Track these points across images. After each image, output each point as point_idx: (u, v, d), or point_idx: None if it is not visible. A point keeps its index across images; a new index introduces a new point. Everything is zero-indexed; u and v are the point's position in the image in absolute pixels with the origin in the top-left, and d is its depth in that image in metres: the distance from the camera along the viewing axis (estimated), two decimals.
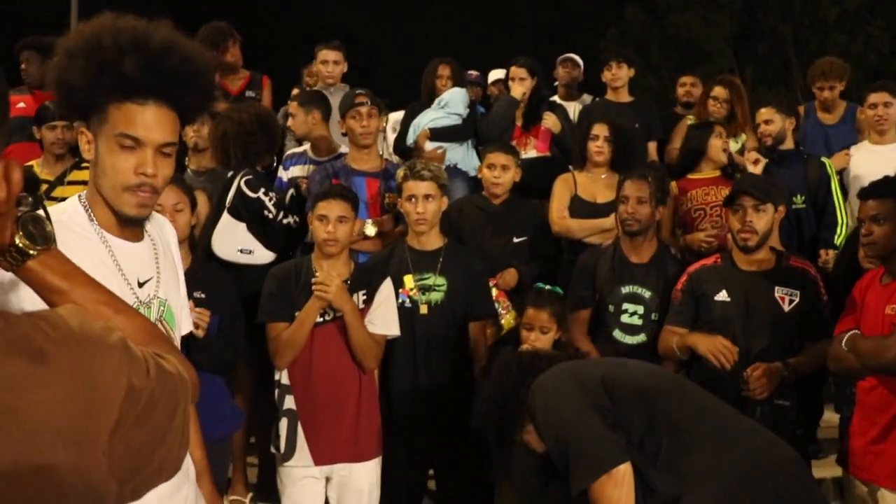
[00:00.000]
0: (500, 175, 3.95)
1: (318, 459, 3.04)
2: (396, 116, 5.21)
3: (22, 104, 4.93)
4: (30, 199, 1.17)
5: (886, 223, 2.81)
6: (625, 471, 2.02)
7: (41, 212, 1.18)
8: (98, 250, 1.64)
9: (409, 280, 3.40)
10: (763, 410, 2.95)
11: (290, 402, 3.07)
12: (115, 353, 0.92)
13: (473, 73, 6.12)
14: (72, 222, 1.63)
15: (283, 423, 3.06)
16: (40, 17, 12.81)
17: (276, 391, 3.11)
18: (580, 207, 4.17)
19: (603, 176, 4.17)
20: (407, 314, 3.31)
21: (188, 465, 1.89)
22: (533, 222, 4.01)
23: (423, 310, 3.38)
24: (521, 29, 21.24)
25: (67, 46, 1.58)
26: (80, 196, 1.70)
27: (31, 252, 1.17)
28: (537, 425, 2.18)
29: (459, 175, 4.88)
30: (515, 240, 3.92)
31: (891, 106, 4.66)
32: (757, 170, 4.22)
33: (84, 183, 4.50)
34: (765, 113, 4.51)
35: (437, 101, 5.20)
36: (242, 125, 3.84)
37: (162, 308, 1.79)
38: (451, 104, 5.10)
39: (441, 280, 3.41)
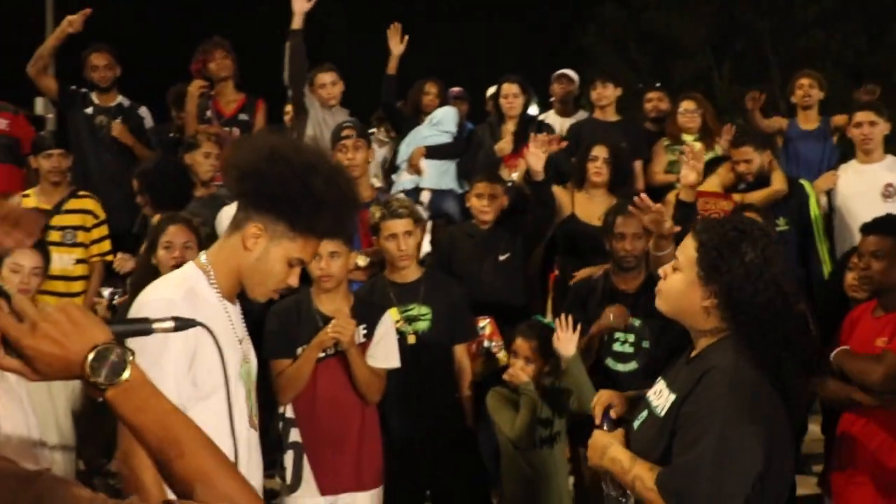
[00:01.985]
0: (489, 204, 4.09)
1: (325, 490, 3.12)
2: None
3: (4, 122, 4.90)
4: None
5: (885, 259, 2.90)
6: None
7: (106, 345, 1.15)
8: (220, 313, 1.91)
9: (394, 313, 3.46)
10: None
11: (294, 435, 3.14)
12: None
13: (455, 89, 6.18)
14: (198, 287, 1.85)
15: (289, 456, 3.14)
16: (13, 16, 12.55)
17: (281, 424, 3.18)
18: (576, 227, 4.30)
19: (599, 199, 4.30)
20: None
21: None
22: (515, 240, 4.11)
23: (411, 339, 3.48)
24: (501, 28, 21.26)
25: (281, 152, 1.86)
26: (195, 261, 1.93)
27: (101, 386, 1.14)
28: (694, 409, 1.80)
29: (452, 196, 4.99)
30: (500, 258, 4.06)
31: (876, 125, 4.72)
32: None
33: (82, 211, 4.57)
34: (743, 153, 4.51)
35: (428, 119, 5.26)
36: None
37: (248, 365, 1.99)
38: (444, 122, 5.17)
39: (425, 309, 3.52)
